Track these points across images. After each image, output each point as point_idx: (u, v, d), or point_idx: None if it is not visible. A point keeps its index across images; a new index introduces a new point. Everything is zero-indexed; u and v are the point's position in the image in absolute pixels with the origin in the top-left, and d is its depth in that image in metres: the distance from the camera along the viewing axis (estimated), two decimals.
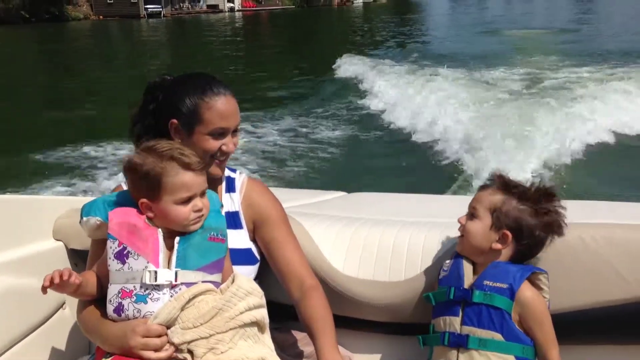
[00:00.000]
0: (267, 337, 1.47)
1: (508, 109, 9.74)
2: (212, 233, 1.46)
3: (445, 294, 1.57)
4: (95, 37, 38.34)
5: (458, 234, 1.64)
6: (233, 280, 1.45)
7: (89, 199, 1.58)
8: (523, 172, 6.52)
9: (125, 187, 1.60)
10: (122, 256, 1.40)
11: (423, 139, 8.89)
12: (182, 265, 1.41)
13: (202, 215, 1.45)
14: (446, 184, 6.73)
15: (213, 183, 1.65)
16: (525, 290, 1.50)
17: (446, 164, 7.64)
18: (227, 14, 64.73)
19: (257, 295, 1.45)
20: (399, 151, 8.76)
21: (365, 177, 7.43)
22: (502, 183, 1.59)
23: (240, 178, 1.75)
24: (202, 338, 1.37)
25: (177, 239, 1.43)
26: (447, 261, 1.64)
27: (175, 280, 1.39)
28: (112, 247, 1.42)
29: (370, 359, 1.80)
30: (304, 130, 10.31)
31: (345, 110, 11.98)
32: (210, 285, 1.42)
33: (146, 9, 60.20)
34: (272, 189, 1.79)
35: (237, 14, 64.81)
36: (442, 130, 8.89)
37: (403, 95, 11.63)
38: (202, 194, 1.46)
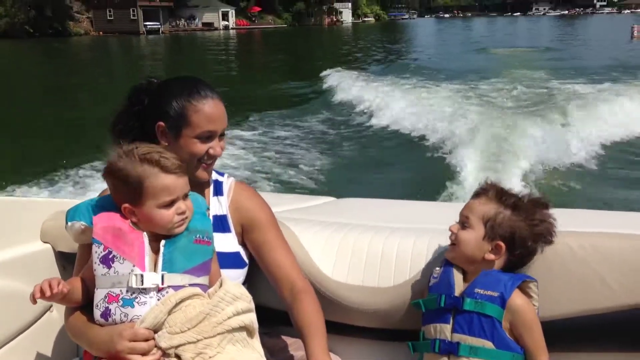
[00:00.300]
0: (256, 341, 1.42)
1: (498, 118, 9.81)
2: (197, 235, 1.41)
3: (436, 301, 1.52)
4: (97, 51, 38.85)
5: (447, 240, 1.60)
6: (221, 285, 1.40)
7: (76, 201, 1.53)
8: (513, 179, 6.51)
9: None
10: (107, 260, 1.35)
11: (413, 146, 8.93)
12: (168, 269, 1.36)
13: (186, 217, 1.40)
14: (435, 191, 6.71)
15: (200, 186, 1.60)
16: (516, 298, 1.46)
17: (435, 171, 7.64)
18: (222, 32, 65.23)
19: (246, 300, 1.40)
20: (389, 158, 8.80)
21: (353, 183, 7.42)
22: (496, 192, 1.54)
23: (228, 182, 1.69)
24: (189, 343, 1.32)
25: (162, 242, 1.38)
26: (437, 268, 1.59)
27: (162, 284, 1.35)
28: (97, 251, 1.37)
29: None
30: (293, 136, 10.31)
31: (335, 118, 12.06)
32: (198, 290, 1.38)
33: (145, 25, 60.73)
34: (261, 194, 1.74)
35: (231, 32, 65.44)
36: (432, 137, 8.92)
37: (392, 105, 11.71)
38: (185, 197, 1.41)
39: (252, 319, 1.40)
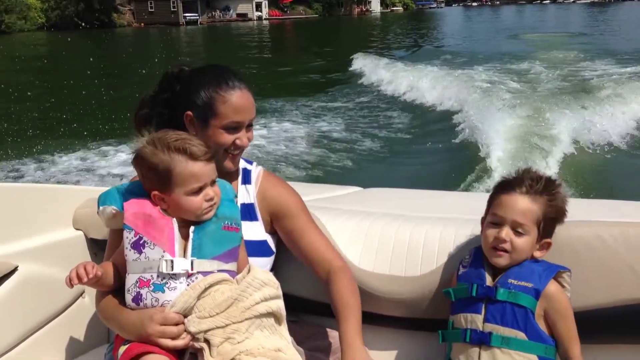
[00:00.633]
0: (284, 328, 1.39)
1: (528, 103, 9.37)
2: (226, 222, 1.39)
3: (467, 290, 1.45)
4: (142, 41, 39.82)
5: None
6: (249, 271, 1.37)
7: (107, 188, 1.49)
8: (544, 166, 6.21)
9: None
10: (138, 246, 1.33)
11: (442, 133, 8.60)
12: (197, 254, 1.34)
13: (215, 203, 1.37)
14: (464, 179, 6.45)
15: (229, 175, 1.56)
16: (550, 286, 1.40)
17: (464, 159, 7.32)
18: (255, 22, 65.37)
19: (273, 286, 1.37)
20: (417, 146, 8.54)
21: (380, 172, 7.26)
22: (534, 183, 1.42)
23: (256, 170, 1.65)
24: (218, 327, 1.30)
25: (192, 228, 1.36)
26: (467, 257, 1.51)
27: (192, 269, 1.32)
28: (128, 237, 1.35)
29: (385, 354, 1.70)
30: (321, 125, 10.12)
31: (364, 105, 11.76)
32: (226, 275, 1.35)
33: (185, 17, 61.38)
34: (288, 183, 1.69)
35: (264, 22, 65.48)
36: (460, 123, 8.58)
37: (422, 91, 11.33)
38: (213, 183, 1.38)
39: (279, 305, 1.37)
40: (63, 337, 1.80)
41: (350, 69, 16.40)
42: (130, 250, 1.34)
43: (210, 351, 1.29)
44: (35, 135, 9.01)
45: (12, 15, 48.36)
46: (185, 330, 1.30)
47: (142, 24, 59.39)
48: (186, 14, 61.96)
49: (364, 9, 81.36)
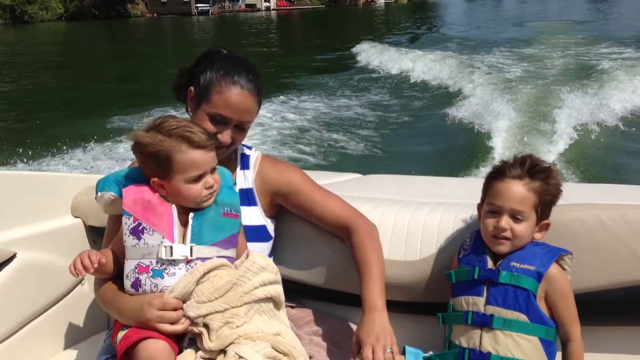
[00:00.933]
0: (282, 313, 1.35)
1: (531, 89, 9.17)
2: (225, 209, 1.34)
3: (469, 273, 1.40)
4: (158, 31, 39.85)
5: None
6: (247, 256, 1.33)
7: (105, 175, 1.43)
8: (546, 151, 6.07)
9: None
10: (137, 232, 1.29)
11: (441, 120, 8.44)
12: (197, 241, 1.30)
13: (214, 191, 1.33)
14: (464, 164, 6.31)
15: (228, 160, 1.50)
16: (552, 268, 1.36)
17: (464, 144, 7.17)
18: (263, 12, 64.97)
19: (272, 271, 1.33)
20: (417, 133, 8.39)
21: (380, 159, 7.13)
22: (531, 170, 1.36)
23: (255, 155, 1.59)
24: (217, 312, 1.26)
25: (191, 214, 1.32)
26: (468, 240, 1.46)
27: (191, 255, 1.29)
28: (127, 223, 1.30)
29: None
30: (322, 112, 9.90)
31: (365, 92, 11.54)
32: (225, 260, 1.31)
33: (197, 7, 61.10)
34: None
35: (272, 12, 65.03)
36: (462, 107, 8.41)
37: (421, 74, 11.12)
38: (213, 170, 1.33)
39: (278, 290, 1.33)
40: (62, 323, 1.77)
41: (355, 55, 16.21)
42: (129, 236, 1.29)
43: (209, 336, 1.25)
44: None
45: (34, 6, 48.93)
46: (184, 315, 1.26)
47: (155, 14, 59.17)
48: (198, 5, 61.70)
49: (369, 0, 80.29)
